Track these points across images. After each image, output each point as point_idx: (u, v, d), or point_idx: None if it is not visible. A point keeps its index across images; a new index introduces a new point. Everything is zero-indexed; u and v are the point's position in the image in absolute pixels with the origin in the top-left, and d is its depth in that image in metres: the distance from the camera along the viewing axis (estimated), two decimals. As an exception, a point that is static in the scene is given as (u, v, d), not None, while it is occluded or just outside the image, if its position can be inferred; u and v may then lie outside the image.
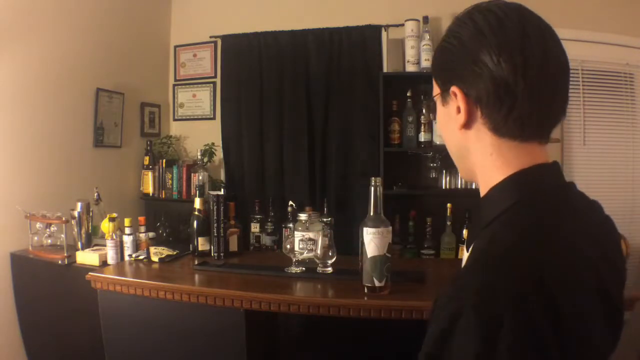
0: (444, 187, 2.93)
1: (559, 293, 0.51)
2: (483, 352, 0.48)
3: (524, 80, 0.59)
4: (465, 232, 2.64)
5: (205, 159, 3.21)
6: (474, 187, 2.88)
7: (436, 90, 0.72)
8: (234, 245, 2.07)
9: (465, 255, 0.73)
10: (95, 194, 2.37)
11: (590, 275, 0.58)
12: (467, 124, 0.66)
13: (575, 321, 0.52)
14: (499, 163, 0.65)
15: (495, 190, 0.65)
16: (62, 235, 2.18)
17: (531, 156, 0.64)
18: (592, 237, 0.63)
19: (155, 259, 1.96)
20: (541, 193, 0.63)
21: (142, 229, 2.10)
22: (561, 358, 0.49)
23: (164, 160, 3.23)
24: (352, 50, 3.13)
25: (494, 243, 0.58)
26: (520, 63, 0.59)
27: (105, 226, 2.11)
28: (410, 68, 2.87)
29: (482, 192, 0.68)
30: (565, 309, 0.51)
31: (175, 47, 3.58)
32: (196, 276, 1.79)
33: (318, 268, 1.74)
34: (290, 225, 2.19)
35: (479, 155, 0.67)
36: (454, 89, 0.65)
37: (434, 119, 0.76)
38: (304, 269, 1.77)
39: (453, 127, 0.68)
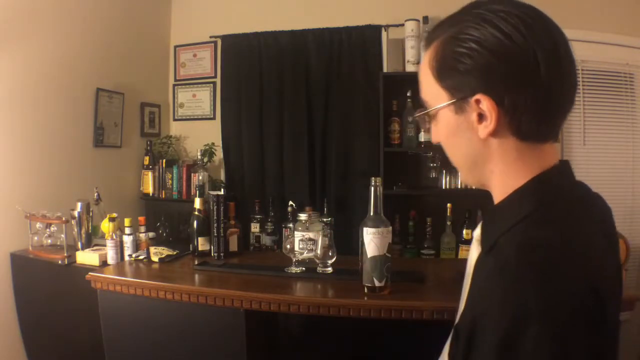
0: (444, 187, 2.93)
1: (607, 299, 0.55)
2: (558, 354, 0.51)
3: (559, 82, 0.61)
4: (465, 232, 2.64)
5: (205, 159, 3.21)
6: (473, 187, 2.88)
7: (442, 99, 0.66)
8: (234, 245, 2.07)
9: (473, 254, 0.73)
10: (95, 194, 2.37)
11: (615, 283, 0.63)
12: (494, 132, 0.63)
13: (614, 327, 0.58)
14: (521, 166, 0.65)
15: (518, 193, 0.65)
16: (62, 235, 2.18)
17: (548, 157, 0.66)
18: (607, 238, 0.66)
19: (155, 259, 1.95)
20: (563, 194, 0.65)
21: (142, 229, 2.10)
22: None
23: (164, 160, 3.23)
24: (352, 50, 3.13)
25: (539, 246, 0.57)
26: (554, 66, 0.60)
27: (105, 226, 2.11)
28: (410, 68, 2.87)
29: (500, 196, 0.67)
30: (609, 316, 0.56)
31: (175, 47, 3.58)
32: (196, 276, 1.79)
33: (318, 268, 1.74)
34: (290, 225, 2.19)
35: (499, 162, 0.66)
36: (479, 97, 0.61)
37: (426, 130, 0.73)
38: (304, 269, 1.77)
39: (469, 136, 0.65)
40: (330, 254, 1.74)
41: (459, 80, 0.63)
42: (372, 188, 1.46)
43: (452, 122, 0.67)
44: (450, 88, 0.65)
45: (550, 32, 0.61)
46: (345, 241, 2.28)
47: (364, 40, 3.12)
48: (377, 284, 1.45)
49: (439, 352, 0.78)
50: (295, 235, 1.78)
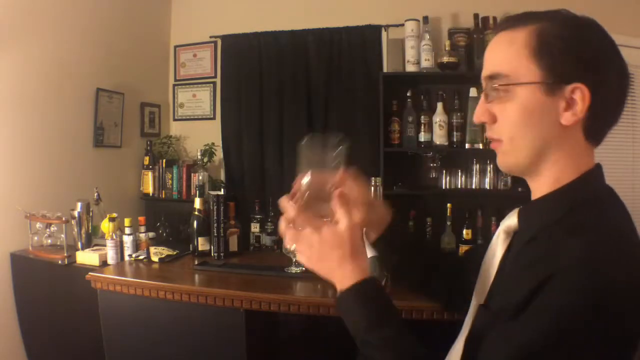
0: (444, 187, 2.93)
1: None
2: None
3: (626, 95, 0.70)
4: (465, 232, 2.63)
5: (205, 159, 3.21)
6: (474, 187, 2.89)
7: (533, 76, 0.68)
8: (234, 245, 2.07)
9: (499, 247, 0.76)
10: (95, 194, 2.37)
11: None
12: (575, 123, 0.67)
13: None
14: (579, 163, 0.70)
15: (571, 186, 0.70)
16: (62, 235, 2.18)
17: (592, 158, 0.73)
18: None
19: (155, 259, 1.95)
20: (603, 191, 0.72)
21: (142, 229, 2.10)
22: None
23: (164, 160, 3.23)
24: (352, 50, 3.13)
25: (606, 234, 0.64)
26: (628, 79, 0.70)
27: (105, 226, 2.10)
28: (410, 68, 2.87)
29: (548, 187, 0.71)
30: None
31: (175, 47, 3.58)
32: (196, 276, 1.79)
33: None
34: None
35: (565, 153, 0.70)
36: (579, 85, 0.66)
37: (488, 101, 0.72)
38: (304, 269, 1.76)
39: (550, 119, 0.68)
40: (330, 254, 1.74)
41: (561, 64, 0.66)
42: (372, 188, 1.46)
43: (537, 101, 0.68)
44: (548, 69, 0.67)
45: (621, 53, 0.71)
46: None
47: (364, 40, 3.11)
48: (377, 284, 1.45)
49: (439, 352, 0.78)
50: (295, 235, 1.78)
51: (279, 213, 0.76)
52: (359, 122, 3.10)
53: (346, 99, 3.14)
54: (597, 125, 0.69)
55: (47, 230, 2.26)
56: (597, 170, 0.73)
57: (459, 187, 2.89)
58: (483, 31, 2.79)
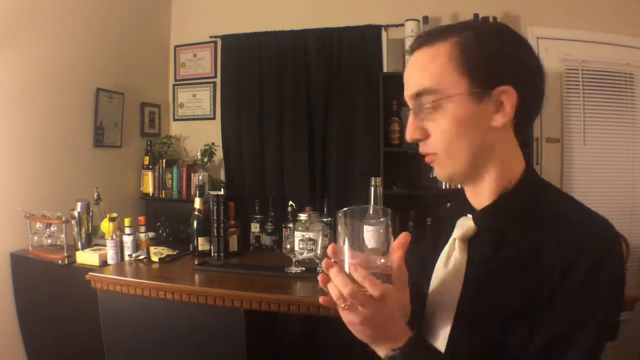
0: (444, 187, 2.92)
1: None
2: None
3: (544, 92, 0.74)
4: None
5: (205, 159, 3.21)
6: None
7: (461, 87, 0.69)
8: (234, 245, 2.07)
9: (458, 254, 0.76)
10: (95, 194, 2.37)
11: None
12: (504, 124, 0.70)
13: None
14: (515, 162, 0.75)
15: (521, 183, 0.73)
16: (62, 235, 2.18)
17: (521, 153, 0.77)
18: None
19: (155, 259, 1.96)
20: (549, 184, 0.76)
21: (142, 229, 2.10)
22: None
23: (164, 160, 3.23)
24: (352, 50, 3.13)
25: (584, 213, 0.69)
26: (544, 78, 0.73)
27: (105, 226, 2.11)
28: (410, 68, 2.87)
29: (494, 191, 0.74)
30: None
31: (175, 47, 3.58)
32: (196, 276, 1.79)
33: (318, 268, 1.74)
34: (290, 225, 2.19)
35: (501, 154, 0.73)
36: (504, 88, 0.68)
37: (419, 120, 0.73)
38: (304, 269, 1.77)
39: (481, 125, 0.70)
40: (330, 254, 1.74)
41: (485, 70, 0.69)
42: (372, 188, 1.46)
43: (467, 111, 0.69)
44: (474, 78, 0.69)
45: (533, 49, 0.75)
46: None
47: (364, 40, 3.11)
48: (377, 284, 1.45)
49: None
50: (295, 235, 1.78)
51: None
52: (359, 122, 3.10)
53: (346, 99, 3.14)
54: (524, 119, 0.73)
55: (47, 230, 2.26)
56: (531, 167, 0.77)
57: (459, 186, 2.88)
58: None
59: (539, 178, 0.77)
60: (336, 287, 0.65)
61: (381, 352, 0.70)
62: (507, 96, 0.68)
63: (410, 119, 0.75)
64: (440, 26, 0.75)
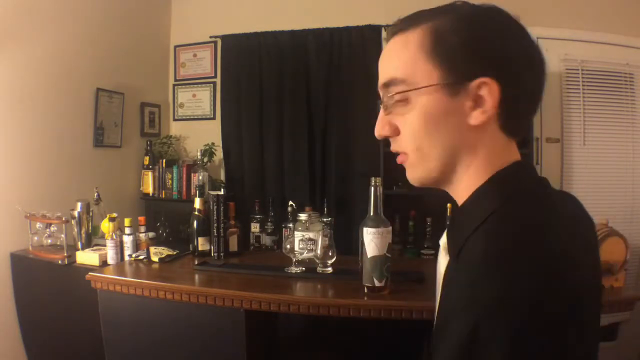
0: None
1: (582, 299, 0.53)
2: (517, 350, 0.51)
3: (543, 81, 0.63)
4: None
5: (205, 159, 3.21)
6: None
7: (432, 79, 0.61)
8: (234, 245, 2.07)
9: (442, 263, 0.69)
10: (95, 194, 2.37)
11: (592, 284, 0.59)
12: (487, 120, 0.60)
13: (592, 330, 0.55)
14: (496, 162, 0.63)
15: (482, 190, 0.63)
16: (62, 235, 2.18)
17: (512, 154, 0.65)
18: (585, 237, 0.64)
19: (155, 259, 1.95)
20: (526, 187, 0.63)
21: (142, 229, 2.10)
22: None
23: (164, 160, 3.23)
24: (352, 50, 3.13)
25: (504, 241, 0.55)
26: (542, 66, 0.63)
27: (105, 226, 2.10)
28: (410, 68, 2.87)
29: (466, 194, 0.64)
30: (586, 316, 0.53)
31: (175, 47, 3.58)
32: (196, 276, 1.79)
33: (318, 268, 1.74)
34: (290, 225, 2.19)
35: (480, 154, 0.63)
36: (485, 80, 0.59)
37: (389, 110, 0.65)
38: (304, 269, 1.76)
39: (456, 122, 0.61)
40: (330, 254, 1.74)
41: (461, 60, 0.60)
42: (372, 188, 1.46)
43: (440, 105, 0.61)
44: (448, 68, 0.60)
45: (531, 37, 0.64)
46: (345, 241, 2.28)
47: (364, 40, 3.11)
48: (377, 284, 1.45)
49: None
50: (295, 235, 1.78)
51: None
52: (359, 121, 3.10)
53: (346, 99, 3.14)
54: (513, 118, 0.62)
55: (47, 230, 2.26)
56: (514, 167, 0.63)
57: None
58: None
59: (526, 186, 0.63)
60: None
61: None
62: (488, 89, 0.59)
63: (380, 113, 0.67)
64: (418, 11, 0.67)
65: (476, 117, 0.60)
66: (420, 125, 0.63)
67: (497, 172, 0.62)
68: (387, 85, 0.65)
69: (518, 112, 0.63)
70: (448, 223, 0.69)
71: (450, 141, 0.62)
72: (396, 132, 0.66)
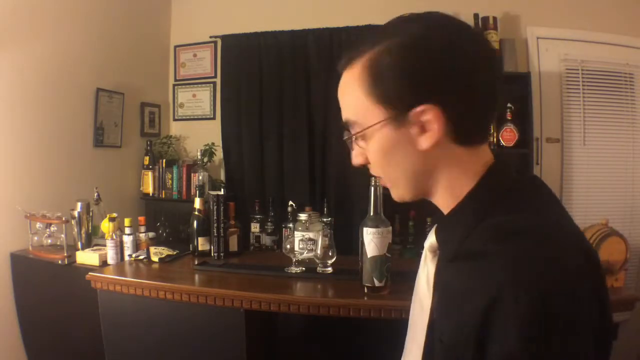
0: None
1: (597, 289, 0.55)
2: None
3: (493, 84, 0.63)
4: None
5: (205, 159, 3.21)
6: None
7: (376, 116, 0.64)
8: (234, 245, 2.07)
9: (429, 266, 0.71)
10: (95, 194, 2.37)
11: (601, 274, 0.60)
12: (437, 142, 0.62)
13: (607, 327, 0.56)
14: (467, 170, 0.65)
15: (472, 195, 0.64)
16: (62, 235, 2.18)
17: (487, 156, 0.67)
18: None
19: (155, 259, 1.95)
20: (516, 183, 0.65)
21: (142, 229, 2.10)
22: None
23: (164, 160, 3.23)
24: (352, 50, 3.13)
25: (513, 234, 0.56)
26: (489, 68, 0.63)
27: (105, 226, 2.11)
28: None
29: (450, 202, 0.67)
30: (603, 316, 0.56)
31: (175, 47, 3.58)
32: (196, 276, 1.79)
33: (318, 268, 1.74)
34: (290, 225, 2.19)
35: (444, 170, 0.65)
36: (423, 107, 0.60)
37: (354, 145, 0.69)
38: (304, 269, 1.77)
39: (409, 150, 0.64)
40: (330, 254, 1.74)
41: (396, 92, 0.62)
42: (372, 188, 1.46)
43: (389, 138, 0.64)
44: (387, 102, 0.63)
45: (476, 36, 0.65)
46: (345, 241, 2.28)
47: (364, 40, 3.11)
48: (377, 284, 1.45)
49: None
50: (295, 235, 1.78)
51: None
52: (359, 122, 3.10)
53: (346, 99, 3.14)
54: (465, 131, 0.63)
55: (47, 230, 2.26)
56: (494, 167, 0.66)
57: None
58: (483, 31, 2.79)
59: (498, 184, 0.64)
60: None
61: None
62: (431, 114, 0.60)
63: (353, 144, 0.71)
64: (364, 37, 0.68)
65: (424, 142, 0.62)
66: (380, 158, 0.67)
67: (484, 175, 0.65)
68: (346, 124, 0.71)
69: (469, 123, 0.63)
70: (438, 226, 0.71)
71: (409, 167, 0.66)
72: (367, 160, 0.70)
